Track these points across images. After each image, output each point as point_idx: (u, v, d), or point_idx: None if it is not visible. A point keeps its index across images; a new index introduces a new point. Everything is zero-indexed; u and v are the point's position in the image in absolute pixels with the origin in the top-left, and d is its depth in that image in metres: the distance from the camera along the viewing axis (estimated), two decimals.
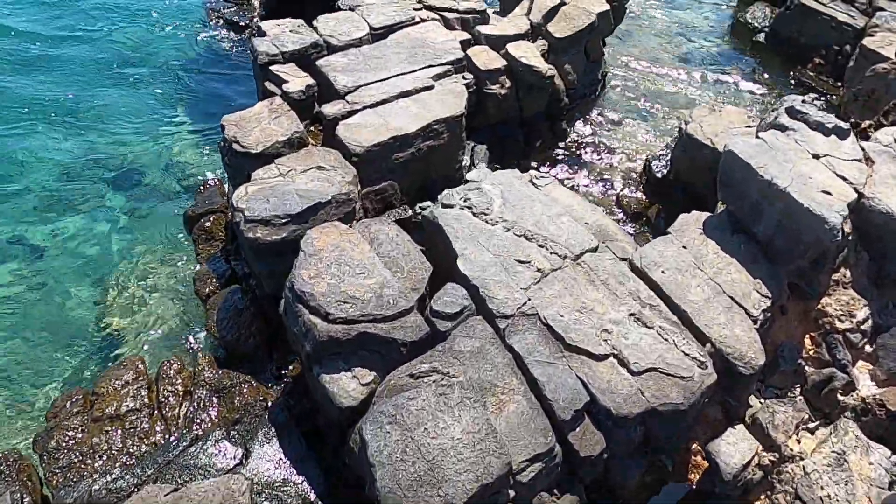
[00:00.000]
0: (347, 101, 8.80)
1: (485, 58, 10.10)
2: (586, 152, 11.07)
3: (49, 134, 11.46)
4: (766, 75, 13.13)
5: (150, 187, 10.56)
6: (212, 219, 9.09)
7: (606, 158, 10.99)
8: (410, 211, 8.44)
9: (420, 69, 9.46)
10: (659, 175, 10.06)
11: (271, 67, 9.44)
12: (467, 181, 7.82)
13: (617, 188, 10.44)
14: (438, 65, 9.58)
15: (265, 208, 7.04)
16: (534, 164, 10.62)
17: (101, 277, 9.13)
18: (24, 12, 14.50)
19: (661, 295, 6.59)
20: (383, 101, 8.86)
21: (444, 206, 7.17)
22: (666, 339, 6.15)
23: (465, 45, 10.30)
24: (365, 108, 8.72)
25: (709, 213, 7.58)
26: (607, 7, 11.26)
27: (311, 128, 9.32)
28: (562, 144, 11.12)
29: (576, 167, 10.79)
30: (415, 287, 6.49)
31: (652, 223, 9.79)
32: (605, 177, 10.65)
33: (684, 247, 7.08)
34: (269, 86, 9.39)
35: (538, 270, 6.55)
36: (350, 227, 7.01)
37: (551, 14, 11.20)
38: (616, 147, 11.23)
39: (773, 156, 7.06)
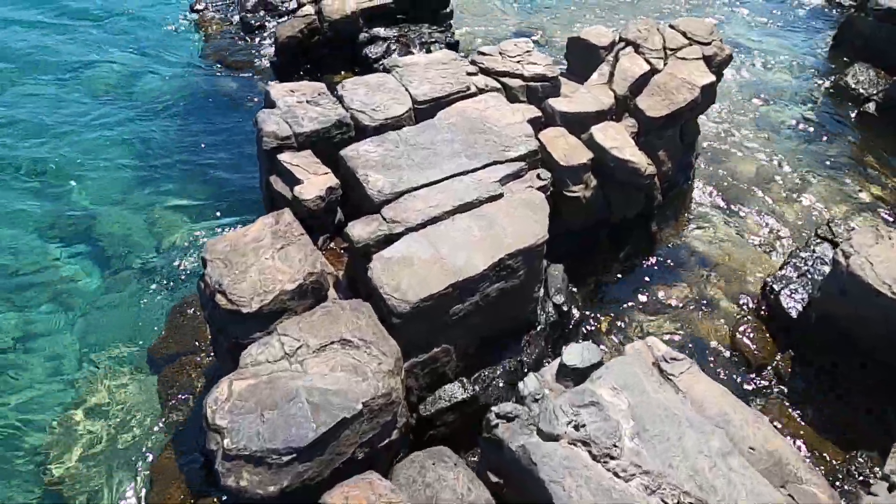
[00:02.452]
0: (384, 218, 5.93)
1: (564, 147, 7.22)
2: (681, 264, 8.20)
3: (12, 190, 8.65)
4: (883, 158, 10.23)
5: (119, 279, 7.68)
6: (183, 362, 6.21)
7: (706, 273, 8.11)
8: (470, 387, 5.57)
9: (482, 167, 6.58)
10: (793, 313, 7.16)
11: (280, 156, 6.58)
12: (564, 367, 4.94)
13: (728, 320, 7.55)
14: (507, 161, 6.70)
15: (257, 434, 4.15)
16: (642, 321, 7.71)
17: (40, 426, 6.28)
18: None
19: None
20: (434, 219, 5.98)
21: (544, 435, 4.28)
22: None
23: (532, 123, 7.43)
24: (408, 229, 5.84)
25: None
26: (713, 78, 8.37)
27: (332, 244, 6.48)
28: (651, 252, 8.23)
29: (670, 286, 7.91)
30: None
31: (785, 381, 6.89)
32: (710, 302, 7.76)
33: None
34: (276, 184, 6.53)
35: None
36: (391, 472, 4.13)
37: (640, 84, 8.32)
38: (715, 257, 8.35)
39: None
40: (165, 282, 7.43)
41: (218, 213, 8.29)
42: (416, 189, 6.25)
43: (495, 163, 6.65)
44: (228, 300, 4.99)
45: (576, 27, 13.01)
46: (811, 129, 10.89)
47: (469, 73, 7.96)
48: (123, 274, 7.56)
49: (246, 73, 10.80)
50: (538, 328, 6.44)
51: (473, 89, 7.72)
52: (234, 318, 4.98)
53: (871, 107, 11.00)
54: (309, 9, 10.70)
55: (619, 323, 7.37)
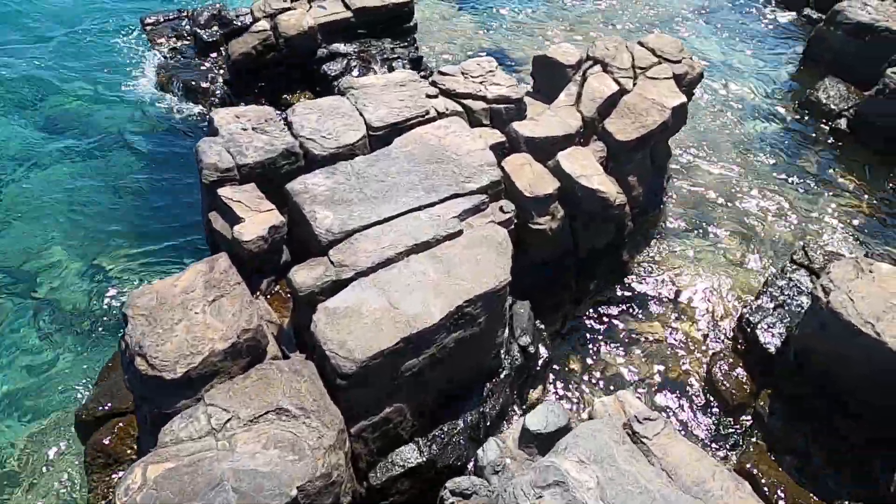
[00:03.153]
0: (332, 262, 5.35)
1: (529, 177, 6.72)
2: (653, 294, 7.74)
3: None
4: (857, 175, 9.91)
5: (46, 329, 6.94)
6: (116, 429, 5.55)
7: (680, 303, 7.66)
8: (426, 450, 5.02)
9: (441, 201, 6.04)
10: (770, 348, 6.73)
11: (221, 191, 5.98)
12: (528, 432, 4.42)
13: (703, 355, 7.10)
14: (467, 193, 6.17)
15: None
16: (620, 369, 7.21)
17: None
18: None
19: None
20: (387, 261, 5.42)
21: None
22: None
23: (496, 149, 6.92)
24: (358, 274, 5.28)
25: None
26: (684, 99, 7.94)
27: (277, 288, 5.88)
28: (622, 282, 7.77)
29: (643, 318, 7.45)
30: None
31: (764, 422, 6.44)
32: (684, 335, 7.31)
33: None
34: (216, 221, 5.93)
35: None
36: None
37: (609, 106, 7.86)
38: (689, 285, 7.91)
39: None
40: (98, 332, 6.75)
41: (162, 255, 7.61)
42: (367, 227, 5.69)
43: (455, 195, 6.11)
44: (149, 364, 4.38)
45: (543, 43, 12.56)
46: (783, 146, 10.54)
47: (429, 96, 7.42)
48: (50, 323, 6.87)
49: (199, 93, 10.13)
50: (502, 374, 5.91)
51: (433, 113, 7.18)
52: (155, 384, 4.36)
53: (842, 123, 10.69)
54: (264, 24, 10.08)
55: (589, 362, 6.89)
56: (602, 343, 7.08)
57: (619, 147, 7.46)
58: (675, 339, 7.22)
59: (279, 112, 7.05)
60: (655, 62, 8.48)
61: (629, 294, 7.64)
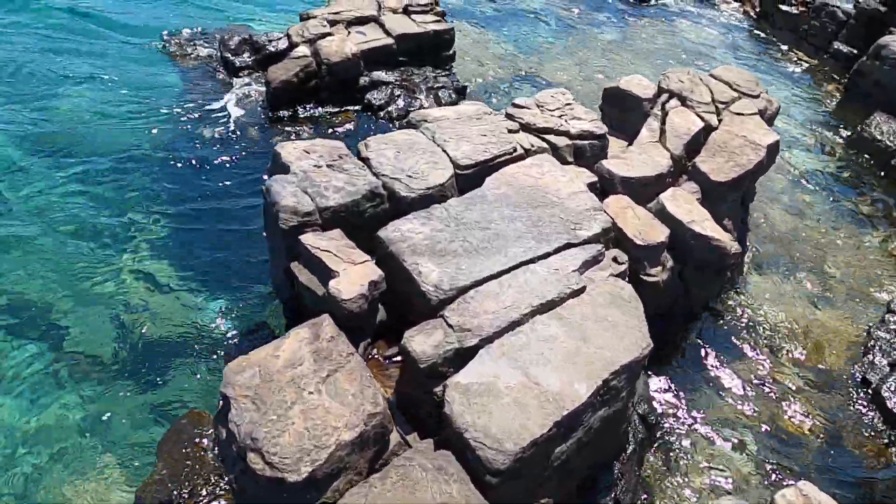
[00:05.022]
0: (451, 325, 4.56)
1: (635, 222, 6.03)
2: (752, 342, 7.11)
3: None
4: None
5: (89, 392, 5.92)
6: None
7: (781, 350, 7.04)
8: None
9: (555, 251, 5.30)
10: None
11: (304, 239, 5.15)
12: None
13: (819, 408, 6.43)
14: (581, 242, 5.44)
15: None
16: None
17: None
18: None
19: None
20: (512, 325, 4.64)
21: None
22: None
23: (591, 190, 6.23)
24: (483, 340, 4.48)
25: None
26: (777, 137, 7.38)
27: (375, 351, 5.06)
28: (717, 330, 7.10)
29: (747, 369, 6.78)
30: None
31: None
32: (795, 387, 6.66)
33: None
34: (301, 274, 5.11)
35: None
36: None
37: (696, 143, 7.25)
38: (784, 329, 7.30)
39: None
40: (151, 394, 5.78)
41: (215, 306, 6.60)
42: (480, 283, 4.91)
43: (568, 245, 5.38)
44: (266, 462, 3.52)
45: (581, 70, 12.03)
46: (839, 183, 10.08)
47: (510, 130, 6.72)
48: (93, 385, 5.88)
49: (232, 120, 9.26)
50: (628, 450, 5.15)
51: (519, 150, 6.48)
52: (275, 487, 3.50)
53: None
54: (304, 49, 9.33)
55: (700, 423, 6.15)
56: (713, 401, 6.38)
57: (714, 188, 6.84)
58: (787, 393, 6.57)
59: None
60: (736, 97, 7.94)
61: (727, 342, 6.99)
